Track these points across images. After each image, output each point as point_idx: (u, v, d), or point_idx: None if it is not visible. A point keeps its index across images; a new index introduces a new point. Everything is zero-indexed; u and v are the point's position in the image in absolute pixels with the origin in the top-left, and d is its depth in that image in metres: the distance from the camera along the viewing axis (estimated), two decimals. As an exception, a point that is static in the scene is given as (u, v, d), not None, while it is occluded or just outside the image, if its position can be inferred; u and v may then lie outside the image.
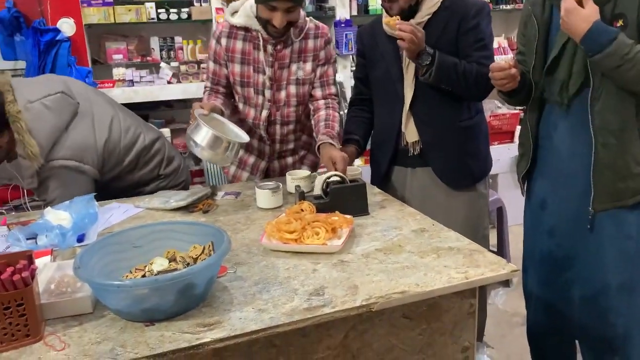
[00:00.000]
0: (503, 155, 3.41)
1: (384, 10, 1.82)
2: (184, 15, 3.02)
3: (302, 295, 1.12)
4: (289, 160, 2.08)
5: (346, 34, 3.24)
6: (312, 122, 1.96)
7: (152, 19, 2.93)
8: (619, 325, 1.56)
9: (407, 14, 1.75)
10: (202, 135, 1.65)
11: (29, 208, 2.01)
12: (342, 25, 3.25)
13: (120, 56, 3.08)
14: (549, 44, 1.58)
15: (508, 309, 2.67)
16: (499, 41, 3.47)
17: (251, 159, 2.07)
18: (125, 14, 2.84)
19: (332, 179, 1.63)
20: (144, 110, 3.09)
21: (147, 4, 2.89)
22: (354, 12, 3.36)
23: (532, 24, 1.60)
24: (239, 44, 1.90)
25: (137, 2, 2.91)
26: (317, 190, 1.64)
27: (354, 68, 3.21)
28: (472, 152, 1.87)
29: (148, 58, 3.17)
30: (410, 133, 1.84)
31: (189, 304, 1.07)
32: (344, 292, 1.13)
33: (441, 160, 1.84)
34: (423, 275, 1.19)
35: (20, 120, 1.63)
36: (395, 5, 1.73)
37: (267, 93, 1.92)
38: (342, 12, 3.25)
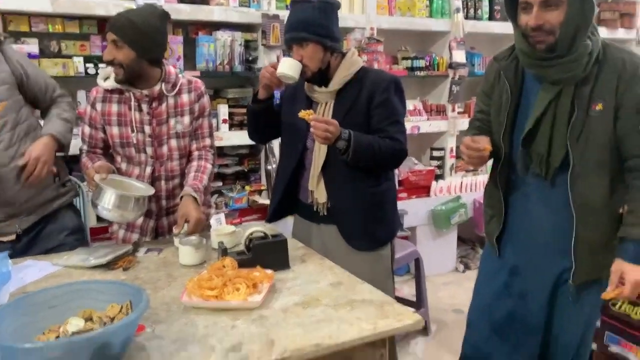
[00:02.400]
0: (420, 209, 3.62)
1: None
2: (113, 71, 3.03)
3: (220, 352, 1.16)
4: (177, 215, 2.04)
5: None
6: (186, 172, 2.01)
7: (80, 73, 2.92)
8: None
9: (319, 77, 1.87)
10: (107, 198, 1.71)
11: None
12: (270, 84, 3.41)
13: (43, 108, 3.01)
14: (520, 110, 1.59)
15: (427, 359, 2.79)
16: (414, 104, 3.75)
17: (139, 220, 2.01)
18: (52, 68, 2.81)
19: (254, 234, 1.70)
20: (68, 163, 3.01)
21: (75, 59, 2.90)
22: (281, 73, 3.53)
23: (503, 88, 1.61)
24: (114, 107, 1.94)
25: (64, 55, 2.91)
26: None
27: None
28: (379, 217, 1.94)
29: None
30: (320, 194, 1.91)
31: (105, 365, 1.07)
32: (261, 347, 1.18)
33: (348, 223, 1.91)
34: (336, 328, 1.26)
35: None
36: (307, 69, 1.84)
37: (149, 150, 1.96)
38: (270, 73, 3.42)
